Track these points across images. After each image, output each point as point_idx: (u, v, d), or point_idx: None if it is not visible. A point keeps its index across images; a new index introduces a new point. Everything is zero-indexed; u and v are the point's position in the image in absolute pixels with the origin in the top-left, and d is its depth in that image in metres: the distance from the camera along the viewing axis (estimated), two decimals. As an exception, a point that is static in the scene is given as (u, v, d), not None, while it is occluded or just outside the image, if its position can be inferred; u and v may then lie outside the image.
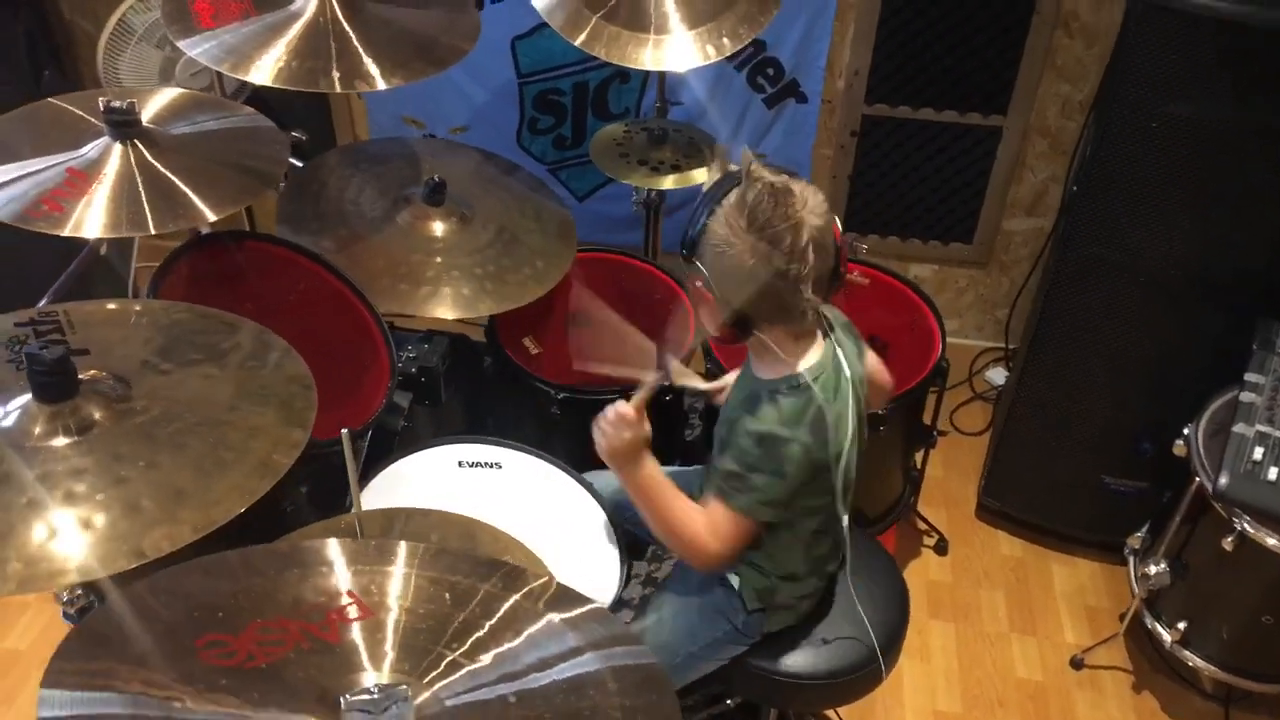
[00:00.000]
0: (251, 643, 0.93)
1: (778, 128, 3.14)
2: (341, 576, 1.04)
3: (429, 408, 2.33)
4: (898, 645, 2.01)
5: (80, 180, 1.59)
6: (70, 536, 1.13)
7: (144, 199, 1.60)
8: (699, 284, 1.65)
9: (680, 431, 2.69)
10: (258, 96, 2.84)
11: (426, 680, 0.95)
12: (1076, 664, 2.60)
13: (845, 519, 1.83)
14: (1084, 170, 2.42)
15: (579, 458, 2.15)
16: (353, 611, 0.98)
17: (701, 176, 2.59)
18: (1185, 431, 2.30)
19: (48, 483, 1.16)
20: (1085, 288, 2.50)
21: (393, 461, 1.98)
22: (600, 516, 1.98)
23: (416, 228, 2.38)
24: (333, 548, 1.06)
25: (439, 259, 2.32)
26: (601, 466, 1.81)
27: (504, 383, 2.43)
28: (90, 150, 1.65)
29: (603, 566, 1.90)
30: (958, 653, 2.63)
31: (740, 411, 1.71)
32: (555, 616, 1.02)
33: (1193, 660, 2.36)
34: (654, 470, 1.74)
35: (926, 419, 2.64)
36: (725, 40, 2.33)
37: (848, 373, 1.76)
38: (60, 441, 1.23)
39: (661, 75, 2.79)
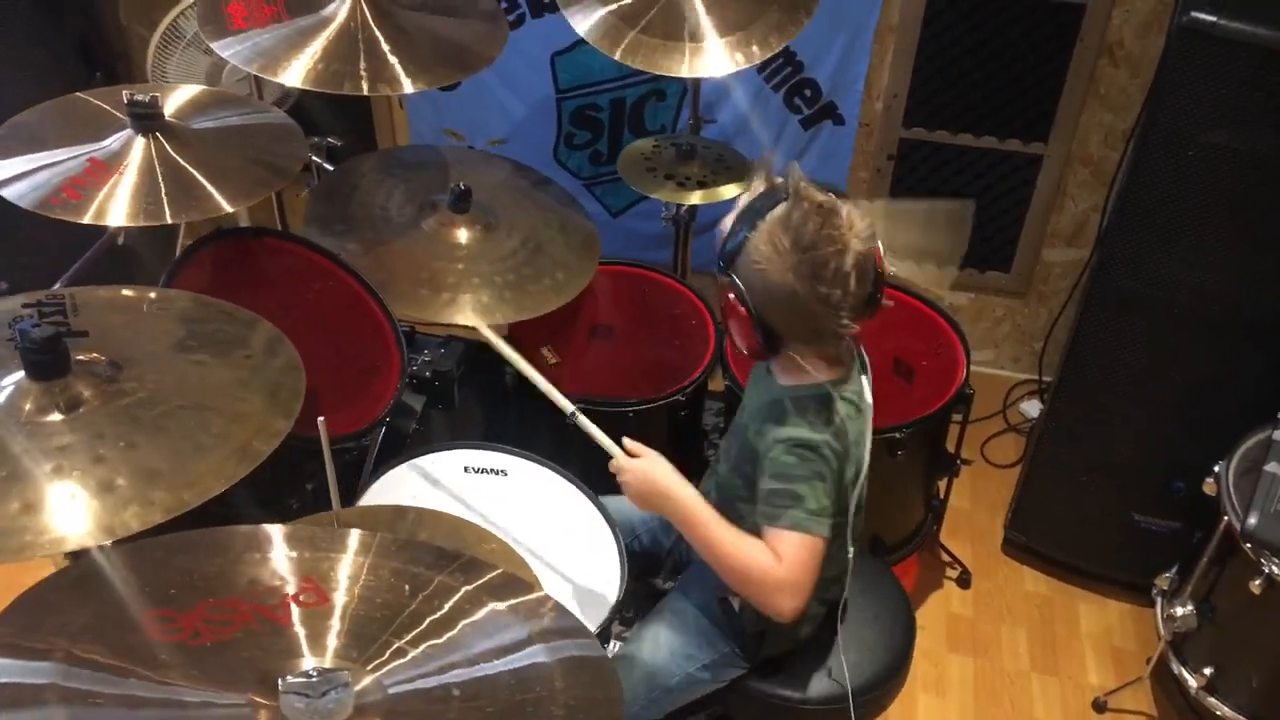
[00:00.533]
0: (199, 620, 0.93)
1: (814, 149, 3.11)
2: (301, 562, 1.03)
3: (445, 413, 2.33)
4: (901, 674, 1.96)
5: (101, 170, 1.62)
6: (45, 511, 1.14)
7: (162, 190, 1.63)
8: (732, 297, 1.61)
9: (699, 448, 2.67)
10: (299, 105, 2.90)
11: (371, 667, 0.94)
12: (1099, 706, 2.51)
13: (851, 547, 1.79)
14: (1119, 200, 2.36)
15: (593, 469, 2.15)
16: (307, 597, 0.98)
17: (729, 192, 2.58)
18: (1216, 469, 2.23)
19: (31, 458, 1.18)
20: (1118, 321, 2.44)
21: (400, 463, 1.98)
22: (605, 530, 1.96)
23: (441, 234, 2.38)
24: (296, 533, 1.06)
25: (461, 265, 2.32)
26: (613, 490, 1.79)
27: (523, 392, 2.42)
28: (113, 142, 1.69)
29: (601, 580, 1.88)
30: (975, 689, 2.56)
31: (762, 422, 1.67)
32: (503, 605, 1.00)
33: (1220, 709, 2.27)
34: (694, 501, 1.68)
35: (950, 447, 2.59)
36: (755, 48, 2.32)
37: (869, 399, 1.74)
38: (50, 419, 1.25)
39: (696, 91, 2.79)
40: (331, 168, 2.48)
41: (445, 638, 0.95)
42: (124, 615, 0.91)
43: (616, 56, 2.37)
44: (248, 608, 0.95)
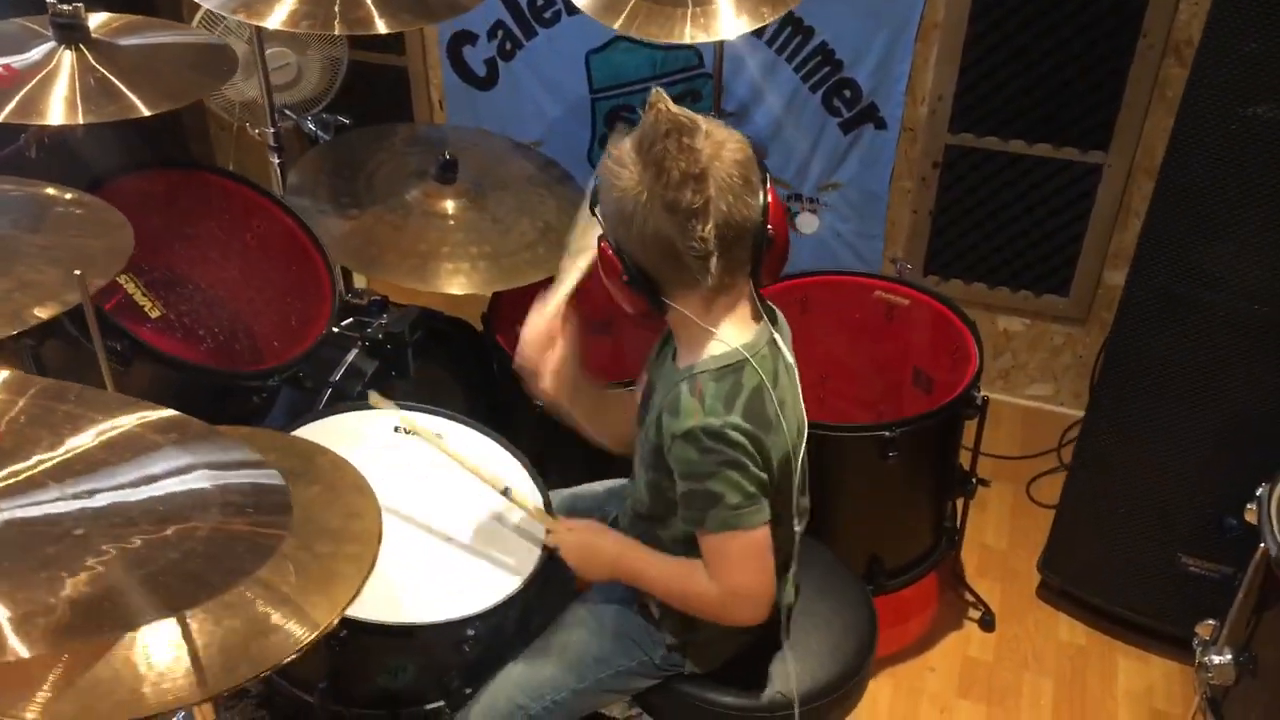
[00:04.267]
0: None
1: (854, 155, 2.94)
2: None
3: (416, 387, 2.23)
4: (851, 689, 1.72)
5: (13, 75, 1.61)
6: None
7: (78, 93, 1.60)
8: (603, 242, 1.47)
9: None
10: (342, 95, 2.93)
11: None
12: (1127, 774, 2.18)
13: (797, 530, 1.59)
14: (1157, 188, 2.11)
15: (564, 451, 2.01)
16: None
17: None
18: (1258, 492, 1.91)
19: None
20: (1159, 327, 2.17)
21: (325, 416, 1.88)
22: (538, 500, 1.81)
23: (426, 204, 2.33)
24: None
25: (435, 234, 2.25)
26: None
27: (506, 373, 2.32)
28: (35, 54, 1.68)
29: (513, 553, 1.72)
30: (983, 740, 2.27)
31: (659, 416, 1.49)
32: (164, 438, 0.88)
33: (1263, 782, 1.93)
34: (633, 551, 1.61)
35: (964, 463, 2.33)
36: (765, 9, 2.19)
37: (789, 358, 1.55)
38: None
39: (718, 89, 2.67)
40: (327, 138, 2.45)
41: (92, 469, 0.83)
42: None
43: (616, 27, 2.27)
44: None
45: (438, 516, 1.77)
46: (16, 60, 1.66)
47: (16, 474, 0.85)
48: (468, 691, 1.69)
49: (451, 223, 2.29)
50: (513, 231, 2.33)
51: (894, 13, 2.72)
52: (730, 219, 1.38)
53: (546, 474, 1.87)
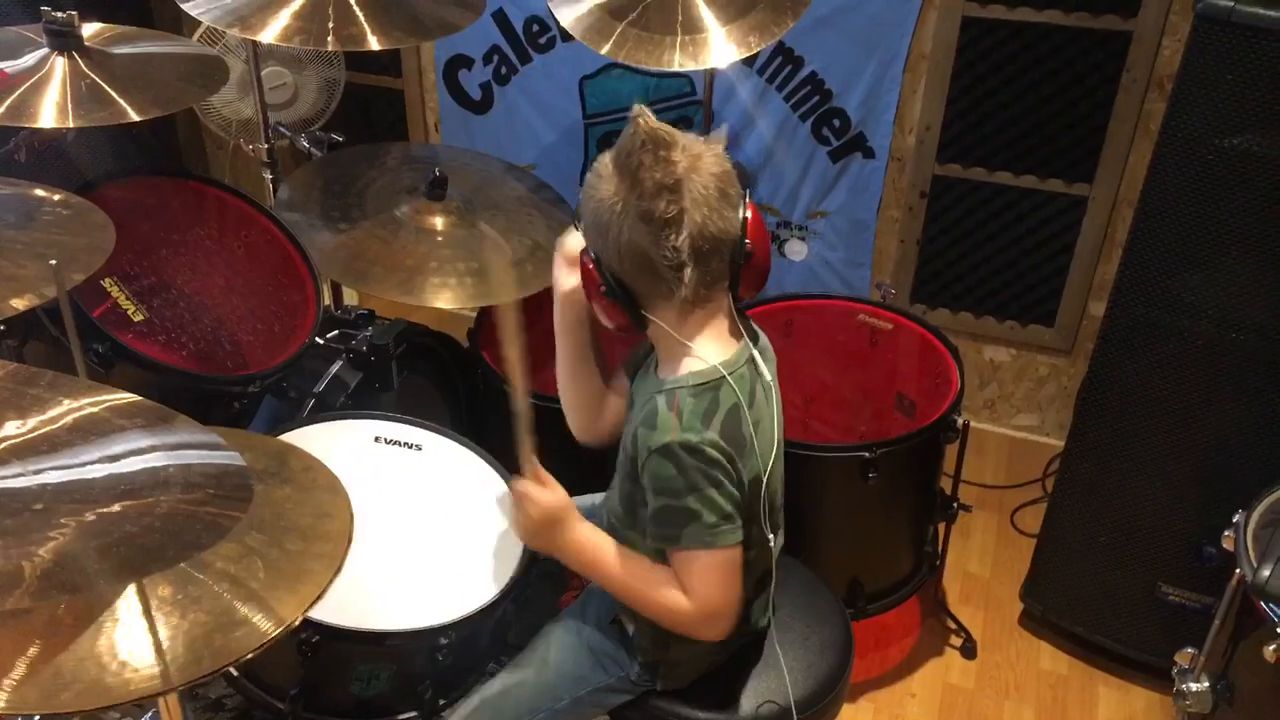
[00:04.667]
0: None
1: (843, 184, 2.97)
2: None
3: (399, 399, 2.24)
4: (835, 700, 1.71)
5: (5, 80, 1.63)
6: None
7: (69, 98, 1.62)
8: (584, 255, 1.48)
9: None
10: (338, 116, 2.96)
11: None
12: (1105, 804, 2.16)
13: (772, 548, 1.58)
14: (1136, 216, 2.13)
15: (546, 466, 2.01)
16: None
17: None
18: (1235, 519, 1.92)
19: None
20: (1138, 354, 2.18)
21: (306, 424, 1.89)
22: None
23: (415, 220, 2.35)
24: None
25: (423, 249, 2.27)
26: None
27: (490, 389, 2.33)
28: (28, 59, 1.70)
29: (490, 564, 1.72)
30: (962, 767, 2.25)
31: (636, 430, 1.48)
32: (127, 420, 0.88)
33: (1242, 813, 1.91)
34: (586, 537, 1.55)
35: (945, 488, 2.34)
36: (753, 38, 2.22)
37: (768, 377, 1.55)
38: None
39: (708, 109, 2.70)
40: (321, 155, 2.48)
41: (55, 446, 0.84)
42: None
43: (604, 52, 2.30)
44: None
45: (415, 525, 1.77)
46: (9, 65, 1.68)
47: (-18, 448, 0.85)
48: (441, 703, 1.68)
49: (440, 239, 2.31)
50: (499, 251, 2.34)
51: (883, 44, 2.76)
52: (704, 230, 1.39)
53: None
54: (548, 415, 1.92)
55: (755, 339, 1.56)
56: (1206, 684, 1.96)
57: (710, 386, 1.45)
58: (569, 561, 1.58)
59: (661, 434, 1.42)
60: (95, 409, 0.95)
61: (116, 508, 0.82)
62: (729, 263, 1.45)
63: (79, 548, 0.79)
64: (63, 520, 0.80)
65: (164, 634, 1.09)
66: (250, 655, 1.09)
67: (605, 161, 1.43)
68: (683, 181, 1.37)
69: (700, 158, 1.40)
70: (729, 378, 1.45)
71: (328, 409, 2.04)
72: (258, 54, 2.52)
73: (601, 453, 1.74)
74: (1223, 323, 2.05)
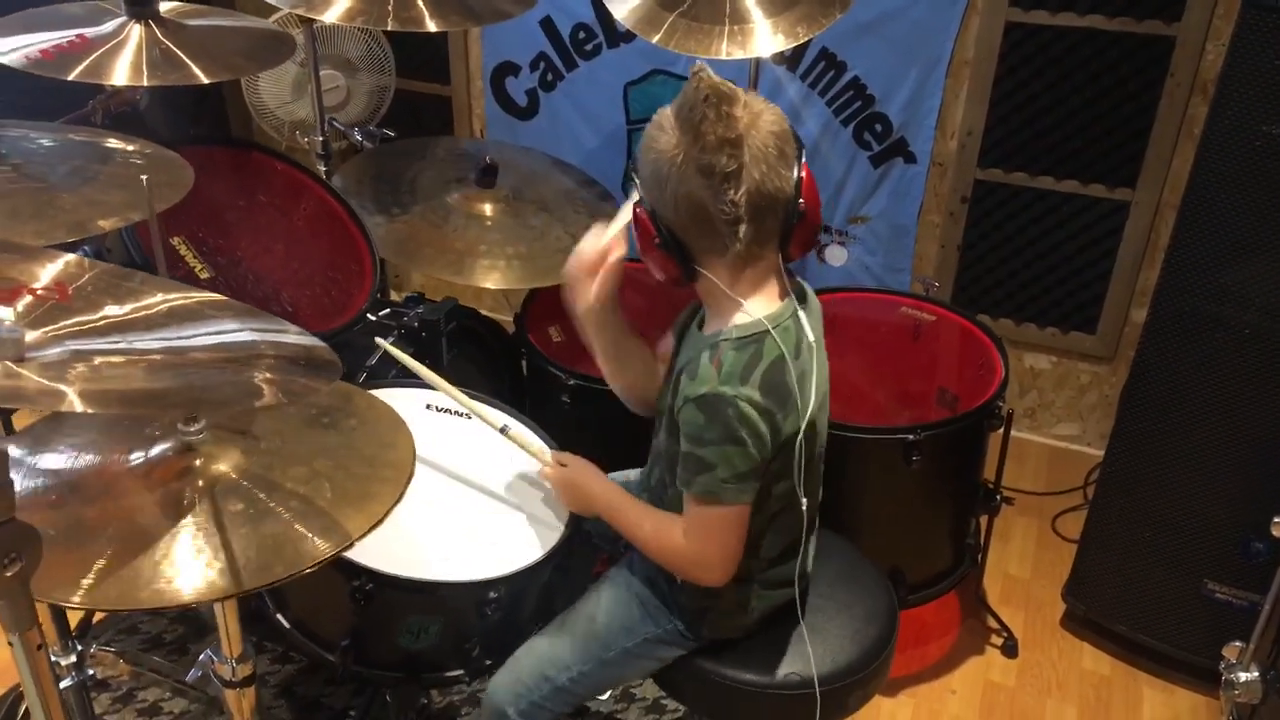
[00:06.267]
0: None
1: (884, 189, 3.00)
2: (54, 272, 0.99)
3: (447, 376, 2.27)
4: (872, 673, 1.70)
5: (84, 42, 1.70)
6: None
7: (144, 60, 1.69)
8: (638, 207, 1.51)
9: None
10: (387, 122, 3.03)
11: (55, 331, 0.88)
12: (1151, 801, 2.13)
13: (809, 511, 1.60)
14: (1183, 206, 2.14)
15: (585, 445, 2.03)
16: (46, 293, 0.92)
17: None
18: (1284, 506, 1.91)
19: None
20: (1184, 347, 2.17)
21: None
22: (534, 443, 1.83)
23: (465, 206, 2.40)
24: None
25: (473, 233, 2.32)
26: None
27: (534, 370, 2.36)
28: (107, 27, 1.77)
29: (538, 527, 1.74)
30: (1004, 762, 2.23)
31: (678, 380, 1.52)
32: (220, 313, 0.92)
33: (1292, 807, 1.88)
34: (612, 494, 1.68)
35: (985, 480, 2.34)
36: (800, 29, 2.26)
37: (810, 337, 1.57)
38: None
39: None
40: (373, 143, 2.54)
41: (152, 325, 0.88)
42: None
43: (654, 40, 2.35)
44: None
45: (464, 489, 1.79)
46: (89, 31, 1.75)
47: (84, 323, 0.89)
48: (488, 663, 1.69)
49: (489, 224, 2.36)
50: (546, 237, 2.39)
51: (925, 49, 2.80)
52: (762, 187, 1.42)
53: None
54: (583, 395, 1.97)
55: (803, 299, 1.58)
56: (1256, 673, 1.93)
57: (754, 339, 1.47)
58: (603, 515, 1.68)
59: (700, 384, 1.45)
60: (187, 301, 0.99)
61: (208, 360, 0.86)
62: (782, 221, 1.48)
63: (168, 381, 0.82)
64: (156, 356, 0.84)
65: (236, 545, 1.12)
66: (316, 566, 1.12)
67: (666, 114, 1.45)
68: (744, 137, 1.40)
69: (761, 115, 1.43)
70: (773, 331, 1.47)
71: (377, 380, 2.07)
72: (316, 52, 2.59)
73: (633, 432, 1.78)
74: (1271, 311, 2.04)
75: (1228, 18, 2.50)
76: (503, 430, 1.79)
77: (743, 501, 1.49)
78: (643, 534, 1.61)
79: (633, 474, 1.94)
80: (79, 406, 0.76)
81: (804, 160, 1.50)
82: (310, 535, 1.14)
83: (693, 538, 1.53)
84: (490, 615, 1.61)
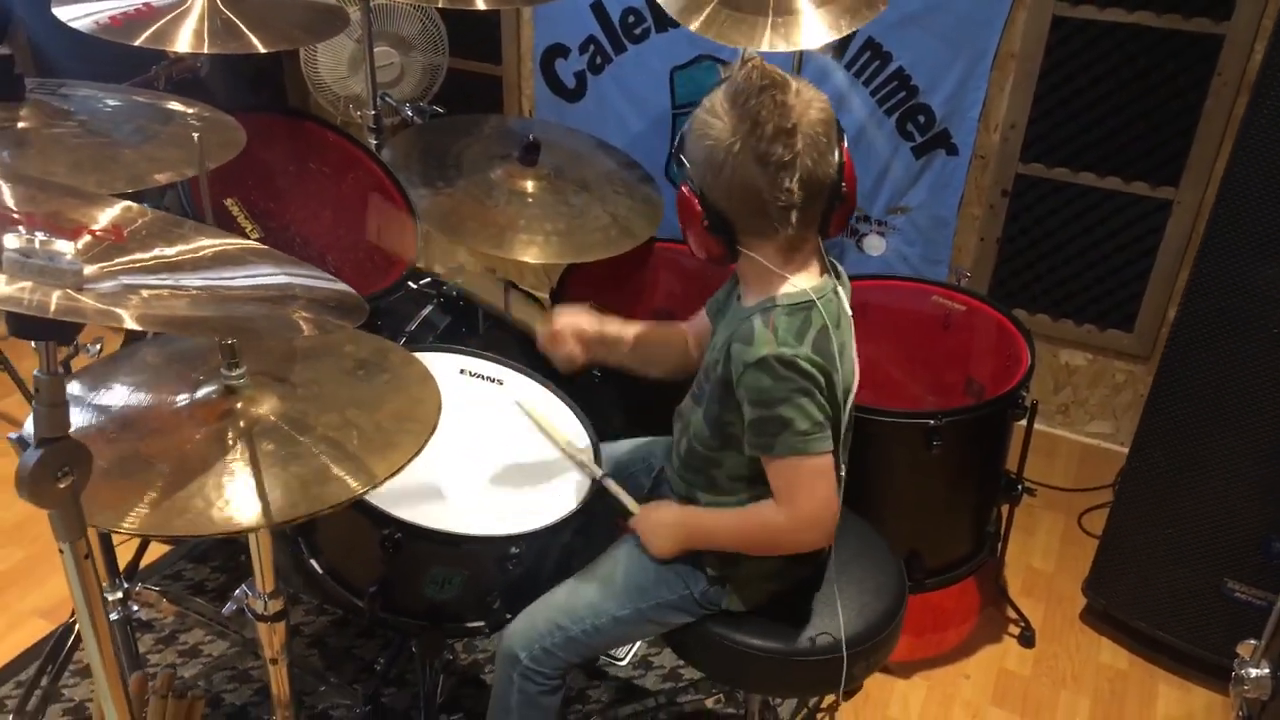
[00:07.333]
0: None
1: (925, 180, 3.02)
2: (112, 215, 1.07)
3: (484, 346, 2.34)
4: (882, 641, 1.74)
5: (151, 10, 1.79)
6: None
7: (206, 29, 1.77)
8: (685, 189, 1.55)
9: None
10: (439, 99, 3.11)
11: (111, 267, 0.96)
12: (1159, 794, 2.15)
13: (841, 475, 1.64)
14: (1216, 201, 2.15)
15: (615, 423, 2.10)
16: (105, 234, 1.00)
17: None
18: (1303, 505, 1.92)
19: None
20: (1210, 347, 2.18)
21: (398, 352, 1.99)
22: (586, 451, 1.89)
23: (508, 183, 2.47)
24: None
25: (514, 209, 2.38)
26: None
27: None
28: (175, -1, 1.87)
29: (562, 488, 1.80)
30: (1014, 749, 2.26)
31: (729, 349, 1.56)
32: (260, 259, 1.00)
33: (1299, 805, 1.89)
34: (696, 516, 1.70)
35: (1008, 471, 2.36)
36: (844, 21, 2.28)
37: (849, 312, 1.63)
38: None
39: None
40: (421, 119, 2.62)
41: (199, 266, 0.96)
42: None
43: (693, 28, 2.38)
44: (39, 215, 0.99)
45: (493, 450, 1.86)
46: (155, 0, 1.84)
47: (137, 261, 0.97)
48: (508, 616, 1.76)
49: (530, 200, 2.42)
50: (585, 215, 2.44)
51: (971, 42, 2.81)
52: (814, 174, 1.47)
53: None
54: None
55: (838, 276, 1.63)
56: (1266, 670, 1.94)
57: (803, 307, 1.53)
58: (694, 541, 1.69)
59: (758, 348, 1.49)
60: (230, 248, 1.07)
61: (247, 296, 0.93)
62: (825, 203, 1.52)
63: (208, 309, 0.89)
64: (197, 290, 0.92)
65: (268, 482, 1.20)
66: (339, 507, 1.19)
67: (719, 100, 1.49)
68: (798, 126, 1.45)
69: (811, 104, 1.48)
70: (818, 302, 1.52)
71: (416, 344, 2.14)
72: (371, 30, 2.67)
73: (664, 404, 1.83)
74: (1298, 310, 2.05)
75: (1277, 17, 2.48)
76: (600, 480, 1.81)
77: (826, 450, 1.51)
78: (739, 532, 1.63)
79: (660, 442, 2.00)
80: (130, 323, 0.84)
81: (844, 144, 1.54)
82: (341, 475, 1.22)
83: (785, 500, 1.54)
84: (512, 570, 1.68)
